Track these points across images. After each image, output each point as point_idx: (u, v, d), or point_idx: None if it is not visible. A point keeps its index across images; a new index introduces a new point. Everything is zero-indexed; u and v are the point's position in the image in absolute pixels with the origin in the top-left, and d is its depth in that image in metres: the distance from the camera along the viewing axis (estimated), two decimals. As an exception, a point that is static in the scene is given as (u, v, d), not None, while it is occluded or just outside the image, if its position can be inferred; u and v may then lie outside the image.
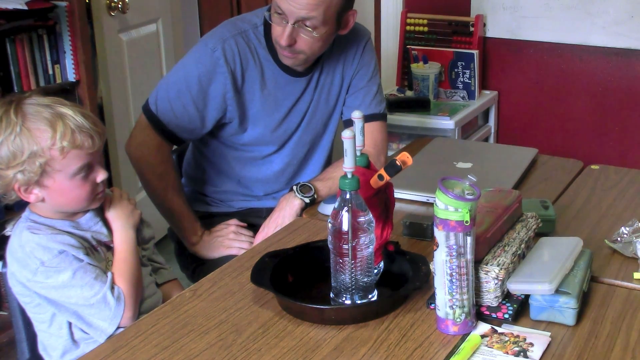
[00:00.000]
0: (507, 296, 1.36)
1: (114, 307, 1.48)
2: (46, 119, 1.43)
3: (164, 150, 1.97)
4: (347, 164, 1.31)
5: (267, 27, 1.93)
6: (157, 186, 1.98)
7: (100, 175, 1.50)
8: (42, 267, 1.45)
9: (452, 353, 1.24)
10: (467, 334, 1.29)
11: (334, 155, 2.16)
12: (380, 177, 1.39)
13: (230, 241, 1.97)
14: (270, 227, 1.87)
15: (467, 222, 1.24)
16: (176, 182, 2.01)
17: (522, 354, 1.23)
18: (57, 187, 1.46)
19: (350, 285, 1.35)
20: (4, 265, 1.53)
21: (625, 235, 1.57)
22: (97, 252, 1.54)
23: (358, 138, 1.38)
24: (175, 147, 2.06)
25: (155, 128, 1.94)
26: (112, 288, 1.49)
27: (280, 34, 1.83)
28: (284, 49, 1.86)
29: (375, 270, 1.42)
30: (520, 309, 1.34)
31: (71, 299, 1.47)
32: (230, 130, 1.99)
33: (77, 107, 1.49)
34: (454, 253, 1.26)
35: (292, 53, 1.87)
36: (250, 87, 1.94)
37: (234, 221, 2.01)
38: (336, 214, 1.33)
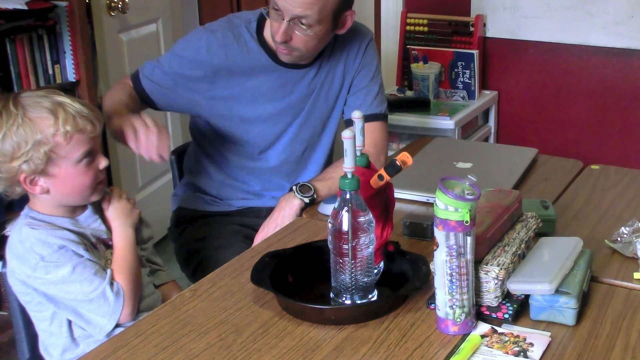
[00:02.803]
0: (507, 296, 1.36)
1: (112, 302, 1.48)
2: (46, 108, 1.46)
3: (133, 94, 1.97)
4: (347, 164, 1.31)
5: (262, 22, 1.97)
6: (116, 93, 1.95)
7: (102, 162, 1.53)
8: (41, 262, 1.46)
9: (452, 353, 1.24)
10: (467, 334, 1.29)
11: (334, 155, 2.16)
12: (380, 177, 1.39)
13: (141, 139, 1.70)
14: (270, 227, 1.87)
15: (467, 222, 1.24)
16: (131, 104, 1.90)
17: (522, 354, 1.23)
18: (62, 175, 1.48)
19: (350, 285, 1.35)
20: (4, 264, 1.53)
21: (625, 235, 1.57)
22: (97, 249, 1.55)
23: (358, 138, 1.38)
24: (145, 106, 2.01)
25: (134, 82, 1.99)
26: (111, 284, 1.49)
27: (277, 30, 1.86)
28: (279, 44, 1.89)
29: (375, 270, 1.42)
30: (520, 309, 1.34)
31: (70, 295, 1.47)
32: (219, 120, 2.01)
33: (72, 96, 1.53)
34: (454, 253, 1.26)
35: (287, 49, 1.90)
36: (235, 79, 1.96)
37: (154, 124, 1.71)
38: (336, 214, 1.33)
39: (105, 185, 1.57)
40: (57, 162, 1.47)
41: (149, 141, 1.68)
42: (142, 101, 1.99)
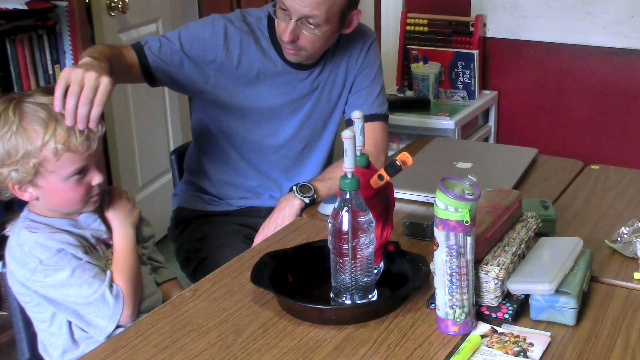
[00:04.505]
0: (507, 296, 1.36)
1: (112, 305, 1.48)
2: (42, 119, 1.42)
3: (124, 58, 1.84)
4: (347, 164, 1.31)
5: (271, 20, 1.96)
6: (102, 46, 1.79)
7: (96, 179, 1.49)
8: (40, 266, 1.45)
9: (452, 353, 1.24)
10: (467, 334, 1.29)
11: (334, 155, 2.16)
12: (380, 177, 1.39)
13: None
14: (270, 227, 1.87)
15: (467, 222, 1.24)
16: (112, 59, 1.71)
17: (522, 354, 1.23)
18: (50, 188, 1.46)
19: (350, 285, 1.35)
20: (4, 265, 1.53)
21: (625, 235, 1.57)
22: (96, 250, 1.54)
23: (358, 138, 1.38)
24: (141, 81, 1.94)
25: (138, 55, 1.88)
26: (110, 286, 1.49)
27: (284, 29, 1.86)
28: (286, 44, 1.89)
29: (375, 270, 1.42)
30: (520, 309, 1.34)
31: (70, 298, 1.47)
32: (217, 106, 2.00)
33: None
34: (454, 253, 1.26)
35: (294, 49, 1.90)
36: (242, 70, 1.95)
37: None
38: (336, 214, 1.33)
39: (99, 197, 1.54)
40: (45, 176, 1.44)
41: (78, 108, 1.42)
42: (143, 75, 1.91)
